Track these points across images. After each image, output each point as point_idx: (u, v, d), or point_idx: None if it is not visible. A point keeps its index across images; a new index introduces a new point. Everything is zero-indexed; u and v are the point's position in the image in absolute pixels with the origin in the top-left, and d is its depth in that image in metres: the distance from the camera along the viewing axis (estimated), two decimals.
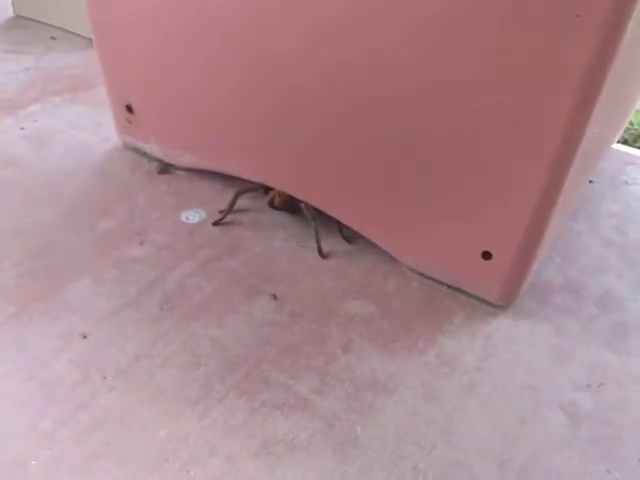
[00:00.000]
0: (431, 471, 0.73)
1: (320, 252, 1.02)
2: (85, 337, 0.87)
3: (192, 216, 1.09)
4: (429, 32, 0.74)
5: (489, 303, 0.94)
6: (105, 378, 0.82)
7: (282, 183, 1.04)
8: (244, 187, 1.08)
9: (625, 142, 1.78)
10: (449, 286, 0.96)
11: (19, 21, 1.76)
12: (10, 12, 1.79)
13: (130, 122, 1.19)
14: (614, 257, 1.05)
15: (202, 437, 0.75)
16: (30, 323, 0.89)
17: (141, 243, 1.03)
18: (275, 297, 0.94)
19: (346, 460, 0.74)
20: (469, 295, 0.95)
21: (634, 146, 1.70)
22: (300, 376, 0.83)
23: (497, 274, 0.89)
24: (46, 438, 0.75)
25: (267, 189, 1.07)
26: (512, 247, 0.85)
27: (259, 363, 0.84)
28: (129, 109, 1.16)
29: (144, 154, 1.22)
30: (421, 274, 0.98)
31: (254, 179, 1.07)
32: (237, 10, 0.89)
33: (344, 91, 0.86)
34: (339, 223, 1.03)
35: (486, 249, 0.87)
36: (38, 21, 1.74)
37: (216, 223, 1.07)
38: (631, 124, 1.87)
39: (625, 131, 1.81)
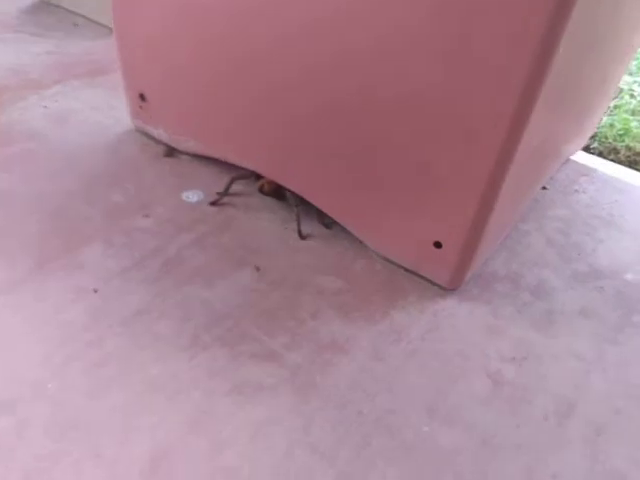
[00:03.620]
0: (371, 414, 0.90)
1: (300, 234, 1.18)
2: (96, 291, 1.03)
3: (192, 196, 1.25)
4: (394, 38, 0.89)
5: (439, 286, 1.10)
6: (111, 326, 0.98)
7: (271, 172, 1.20)
8: (239, 174, 1.24)
9: (600, 154, 1.93)
10: (407, 269, 1.12)
11: (44, 6, 1.91)
12: None
13: (142, 108, 1.34)
14: (554, 254, 1.21)
15: (188, 376, 0.92)
16: (48, 277, 1.05)
17: (146, 215, 1.19)
18: (258, 269, 1.11)
19: (304, 401, 0.90)
20: (423, 278, 1.11)
21: (608, 158, 1.86)
22: (274, 334, 1.00)
23: (446, 261, 1.05)
24: (60, 368, 0.91)
25: (258, 176, 1.23)
26: (459, 238, 1.01)
27: (240, 321, 1.01)
28: (142, 97, 1.32)
29: (152, 138, 1.38)
30: (385, 258, 1.14)
31: (248, 167, 1.23)
32: (246, 28, 1.05)
33: (321, 91, 1.01)
34: (318, 210, 1.19)
35: (437, 239, 1.04)
36: (62, 7, 1.88)
37: (213, 203, 1.23)
38: (606, 138, 2.03)
39: (600, 144, 1.96)
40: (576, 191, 1.39)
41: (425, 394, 0.93)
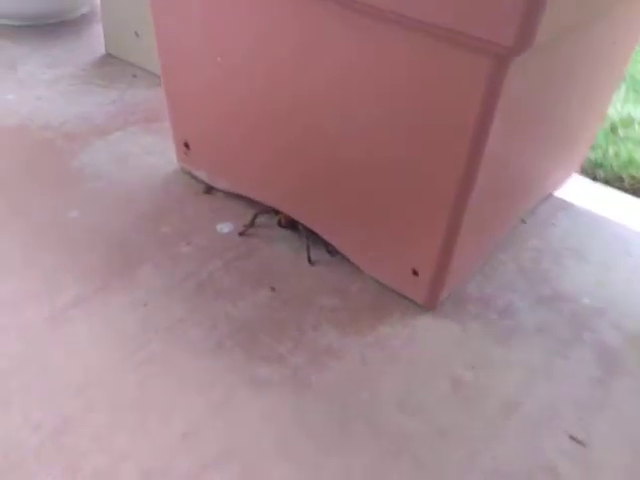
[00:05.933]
0: (353, 406, 1.15)
1: (309, 260, 1.44)
2: (146, 305, 1.32)
3: (224, 227, 1.53)
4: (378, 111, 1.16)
5: (419, 305, 1.35)
6: (157, 332, 1.27)
7: (287, 208, 1.47)
8: (261, 209, 1.51)
9: (606, 182, 2.12)
10: (394, 291, 1.37)
11: (109, 59, 2.24)
12: (103, 50, 2.27)
13: (186, 154, 1.64)
14: (523, 280, 1.43)
15: (213, 372, 1.19)
16: (111, 294, 1.35)
17: (188, 244, 1.48)
18: (273, 289, 1.38)
19: (302, 396, 1.16)
20: (407, 299, 1.36)
21: (613, 186, 2.05)
22: (281, 341, 1.26)
23: (422, 286, 1.30)
24: (116, 364, 1.20)
25: (277, 212, 1.50)
26: (431, 269, 1.26)
27: (256, 331, 1.28)
28: (186, 146, 1.62)
29: (194, 177, 1.67)
30: (376, 281, 1.39)
31: (268, 204, 1.50)
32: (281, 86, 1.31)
33: (325, 149, 1.28)
34: (324, 241, 1.45)
35: (414, 268, 1.28)
36: (124, 60, 2.21)
37: (241, 234, 1.51)
38: (611, 167, 2.21)
39: (606, 173, 2.15)
40: (553, 224, 1.61)
41: (397, 392, 1.18)
